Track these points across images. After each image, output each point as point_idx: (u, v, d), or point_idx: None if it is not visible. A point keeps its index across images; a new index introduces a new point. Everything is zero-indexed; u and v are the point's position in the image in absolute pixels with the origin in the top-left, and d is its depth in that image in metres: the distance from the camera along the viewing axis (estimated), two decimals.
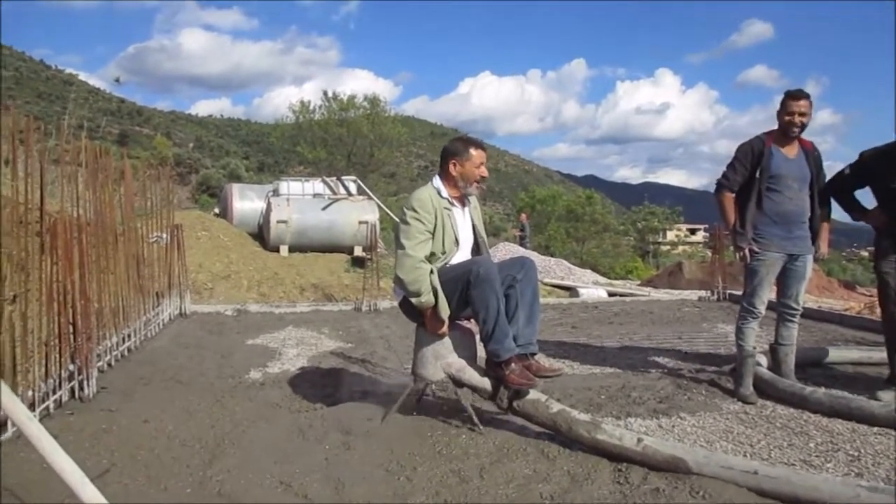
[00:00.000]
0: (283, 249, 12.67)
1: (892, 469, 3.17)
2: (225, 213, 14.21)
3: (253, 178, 44.29)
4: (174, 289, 7.84)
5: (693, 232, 65.72)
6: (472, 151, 3.74)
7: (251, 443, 3.52)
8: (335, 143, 37.86)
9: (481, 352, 3.70)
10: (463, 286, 3.48)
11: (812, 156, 4.52)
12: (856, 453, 3.39)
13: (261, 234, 13.53)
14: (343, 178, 14.23)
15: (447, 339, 3.65)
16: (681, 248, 51.88)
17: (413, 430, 3.61)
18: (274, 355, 5.97)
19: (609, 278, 18.26)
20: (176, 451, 3.36)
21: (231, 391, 4.61)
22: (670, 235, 55.46)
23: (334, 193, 13.49)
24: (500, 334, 3.44)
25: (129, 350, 5.70)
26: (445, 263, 3.65)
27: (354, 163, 37.15)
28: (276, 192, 13.51)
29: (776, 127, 4.53)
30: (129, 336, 5.75)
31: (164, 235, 7.41)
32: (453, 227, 3.70)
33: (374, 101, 38.80)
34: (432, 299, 3.51)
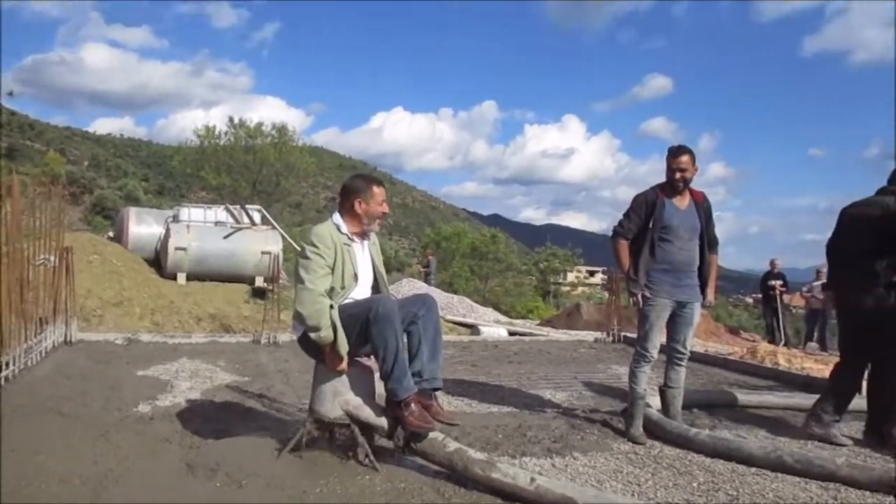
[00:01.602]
0: (181, 277, 12.24)
1: None
2: (119, 238, 13.63)
3: (152, 202, 42.77)
4: (60, 315, 7.45)
5: (592, 274, 67.78)
6: (375, 189, 3.80)
7: (137, 480, 3.39)
8: (240, 169, 37.12)
9: (380, 389, 3.70)
10: (363, 323, 3.48)
11: (702, 207, 4.77)
12: (734, 493, 3.57)
13: (157, 261, 13.04)
14: (247, 206, 13.94)
15: (346, 376, 3.63)
16: (580, 289, 53.30)
17: (308, 469, 3.55)
18: (165, 387, 5.75)
19: (510, 317, 18.55)
20: (54, 489, 3.18)
21: (117, 425, 4.40)
22: (570, 277, 56.95)
23: (237, 222, 13.18)
24: (398, 373, 3.45)
25: (6, 379, 5.36)
26: (344, 299, 3.65)
27: (260, 191, 36.50)
28: (176, 218, 13.08)
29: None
30: (6, 364, 5.42)
31: (52, 258, 7.05)
32: (353, 262, 3.72)
33: (281, 129, 38.40)
34: (331, 335, 3.49)
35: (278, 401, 5.42)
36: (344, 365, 3.57)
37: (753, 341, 13.67)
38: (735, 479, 3.80)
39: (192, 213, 13.12)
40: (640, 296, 4.64)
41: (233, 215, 13.30)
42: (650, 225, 4.65)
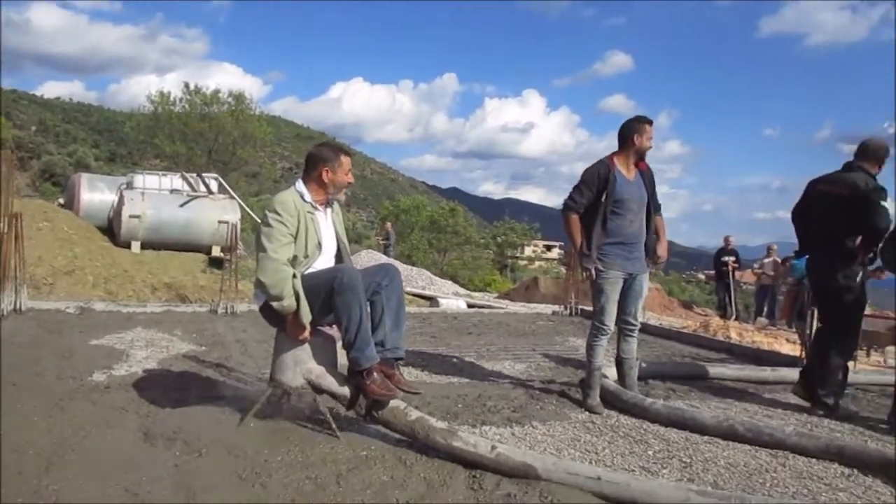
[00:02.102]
0: (135, 246, 12.00)
1: (719, 475, 3.46)
2: (71, 204, 13.26)
3: (103, 169, 41.64)
4: (9, 283, 7.25)
5: (549, 248, 68.38)
6: (343, 158, 3.77)
7: (93, 449, 3.34)
8: (196, 137, 36.33)
9: (342, 359, 3.70)
10: (326, 293, 3.46)
11: (647, 176, 4.80)
12: (688, 460, 3.67)
13: (110, 229, 12.75)
14: (204, 174, 13.68)
15: (308, 345, 3.62)
16: (537, 263, 53.78)
17: (269, 437, 3.54)
18: (121, 357, 5.65)
19: (468, 290, 18.64)
20: (6, 459, 3.11)
21: (71, 394, 4.32)
22: (528, 251, 57.37)
23: (194, 190, 12.93)
24: (361, 342, 3.45)
25: None
26: (307, 268, 3.62)
27: (215, 160, 35.81)
28: (129, 185, 12.76)
29: (619, 150, 4.75)
30: None
31: (0, 225, 6.84)
32: (316, 231, 3.69)
33: (239, 97, 37.63)
34: (294, 304, 3.46)
35: (237, 370, 5.37)
36: (306, 334, 3.55)
37: (706, 316, 14.01)
38: (689, 447, 3.91)
39: (147, 181, 12.82)
40: (593, 270, 4.66)
41: (189, 183, 13.05)
42: (603, 199, 4.63)
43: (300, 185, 3.76)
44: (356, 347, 3.44)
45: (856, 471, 3.57)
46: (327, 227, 3.81)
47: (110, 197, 13.07)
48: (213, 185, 13.35)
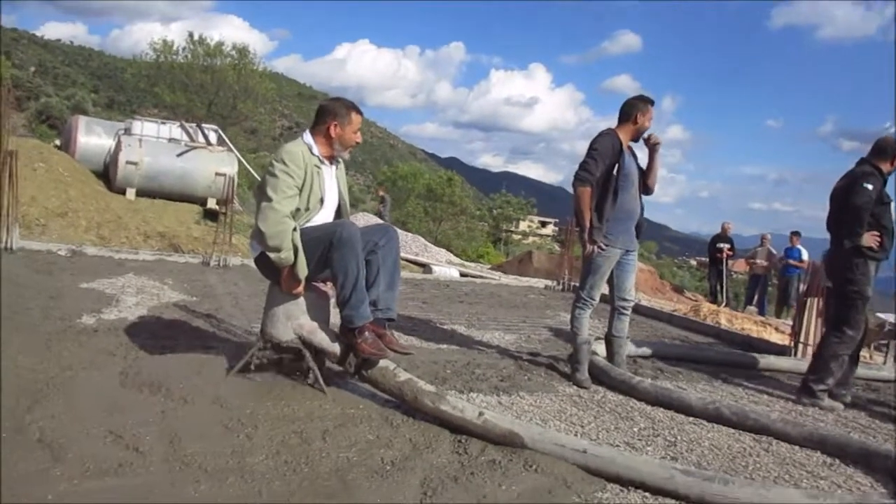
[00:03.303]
0: (130, 193, 11.90)
1: (702, 455, 3.47)
2: (67, 147, 13.10)
3: (101, 115, 41.14)
4: (1, 221, 7.18)
5: (544, 224, 68.46)
6: (353, 116, 3.69)
7: (79, 390, 3.33)
8: (196, 89, 35.93)
9: (333, 317, 3.68)
10: (324, 247, 3.43)
11: (635, 153, 4.78)
12: (673, 439, 3.68)
13: (106, 174, 12.62)
14: (203, 125, 13.53)
15: (301, 300, 3.58)
16: (531, 238, 53.84)
17: (257, 389, 3.52)
18: (110, 301, 5.63)
19: (461, 260, 18.64)
20: None
21: (59, 335, 4.31)
22: (522, 225, 57.42)
23: (192, 140, 12.79)
24: (356, 300, 3.42)
25: None
26: (308, 222, 3.58)
27: (215, 113, 35.43)
28: (127, 131, 12.60)
29: (619, 125, 4.69)
30: None
31: None
32: (321, 185, 3.64)
33: (242, 51, 37.13)
34: (292, 257, 3.42)
35: (227, 322, 5.36)
36: (300, 289, 3.52)
37: (696, 301, 14.05)
38: (674, 426, 3.92)
39: (146, 128, 12.66)
40: (599, 245, 4.59)
41: (188, 133, 12.90)
42: (614, 172, 4.58)
43: (308, 137, 3.69)
44: (350, 305, 3.41)
45: (837, 460, 3.58)
46: (331, 182, 3.75)
47: (107, 142, 12.92)
48: (212, 137, 13.20)
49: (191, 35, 36.83)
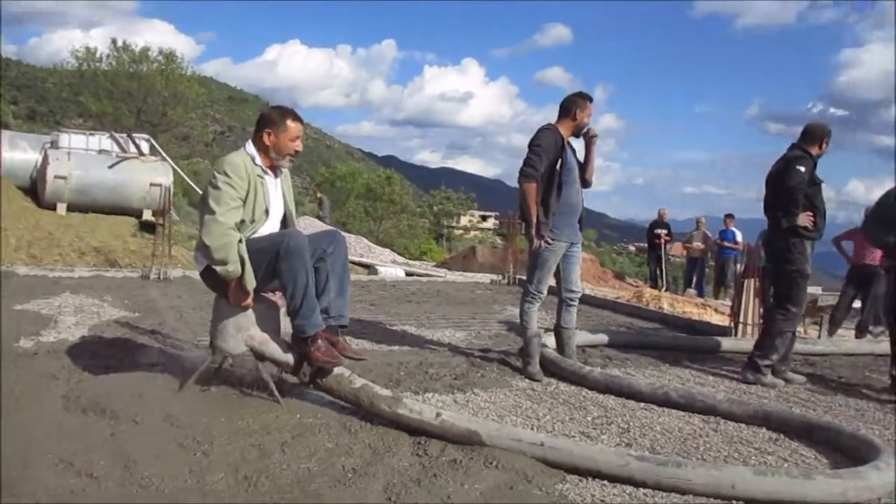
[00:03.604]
0: (61, 208, 11.50)
1: (655, 440, 3.57)
2: None
3: (22, 127, 39.66)
4: None
5: (484, 218, 68.85)
6: (290, 124, 3.63)
7: (23, 418, 3.21)
8: (123, 96, 34.98)
9: (284, 327, 3.64)
10: (271, 258, 3.39)
11: (573, 148, 4.86)
12: (626, 426, 3.77)
13: (34, 190, 12.18)
14: (135, 135, 13.17)
15: (250, 312, 3.54)
16: (472, 233, 54.13)
17: (209, 405, 3.47)
18: (48, 323, 5.45)
19: (404, 258, 18.63)
20: None
21: None
22: (463, 220, 57.70)
23: (124, 151, 12.43)
24: (307, 309, 3.40)
25: None
26: (253, 233, 3.54)
27: (144, 120, 34.54)
28: (54, 145, 12.17)
29: (559, 120, 4.76)
30: None
31: None
32: (265, 196, 3.60)
33: (169, 56, 36.30)
34: (238, 269, 3.38)
35: (172, 337, 5.25)
36: (249, 300, 3.48)
37: (637, 286, 14.36)
38: (626, 413, 4.02)
39: (73, 140, 12.23)
40: (546, 239, 4.65)
41: (118, 144, 12.53)
42: (557, 167, 4.64)
43: (250, 147, 3.64)
44: (301, 314, 3.39)
45: (782, 435, 3.73)
46: (276, 192, 3.71)
47: (33, 156, 12.45)
48: (145, 147, 12.86)
49: (114, 41, 35.85)
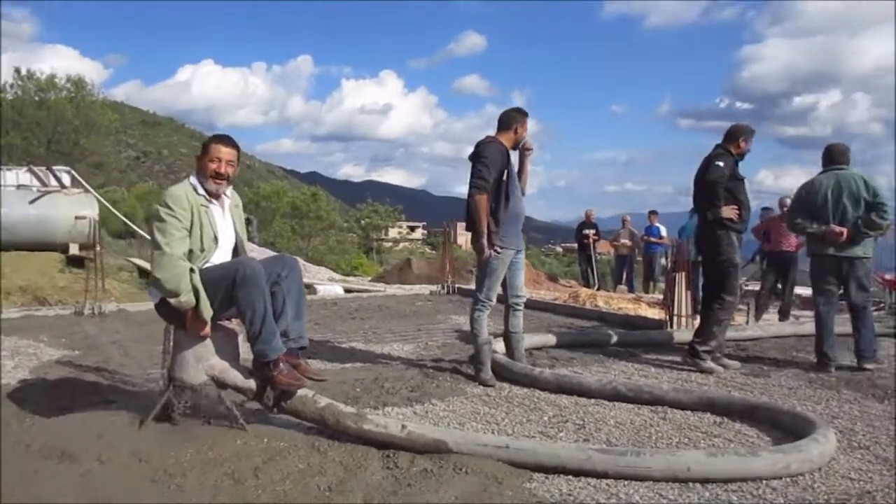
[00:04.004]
0: None
1: (610, 433, 3.75)
2: None
3: None
4: None
5: (412, 229, 68.98)
6: (211, 146, 3.67)
7: None
8: (31, 127, 33.68)
9: (243, 353, 3.67)
10: (228, 286, 3.42)
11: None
12: (581, 422, 3.95)
13: None
14: (54, 167, 12.74)
15: (209, 341, 3.55)
16: (402, 244, 54.12)
17: (173, 437, 3.45)
18: None
19: (342, 276, 18.58)
20: None
21: None
22: (392, 233, 57.62)
23: (44, 185, 12.03)
24: (267, 334, 3.43)
25: None
26: (205, 262, 3.56)
27: (55, 151, 33.32)
28: None
29: (498, 133, 4.94)
30: None
31: None
32: (211, 224, 3.61)
33: (79, 82, 35.20)
34: (192, 300, 3.39)
35: (119, 373, 5.17)
36: (207, 330, 3.50)
37: (571, 287, 14.73)
38: (579, 410, 4.20)
39: None
40: (495, 248, 4.80)
41: (38, 177, 12.12)
42: (504, 177, 4.80)
43: (194, 177, 3.66)
44: (262, 339, 3.42)
45: (725, 419, 3.98)
46: (223, 221, 3.72)
47: None
48: (66, 179, 12.46)
49: (17, 70, 34.51)
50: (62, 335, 6.76)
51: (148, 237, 14.77)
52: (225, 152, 3.68)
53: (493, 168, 4.76)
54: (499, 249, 4.83)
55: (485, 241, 4.79)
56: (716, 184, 5.20)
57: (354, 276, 20.36)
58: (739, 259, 5.37)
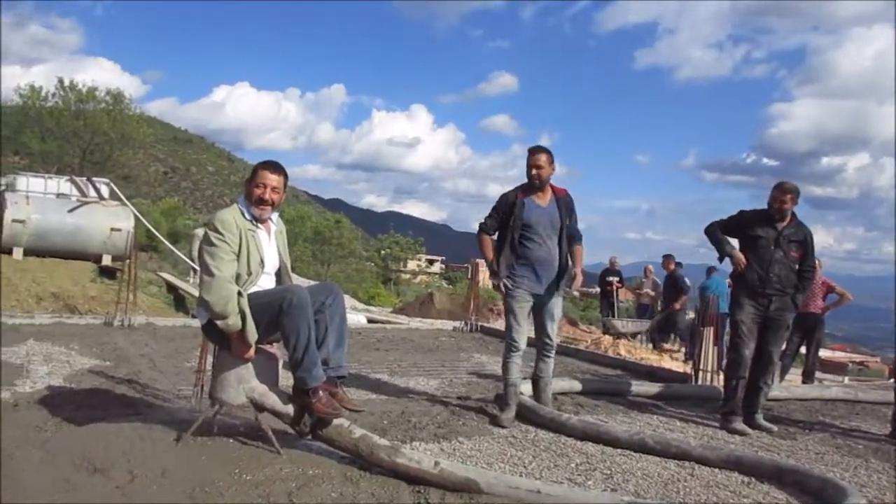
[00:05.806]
0: (18, 252, 11.25)
1: (638, 485, 3.76)
2: None
3: None
4: None
5: (431, 263, 69.14)
6: (258, 171, 3.76)
7: (22, 474, 3.19)
8: (68, 136, 34.34)
9: (283, 378, 3.74)
10: (274, 312, 3.49)
11: (563, 202, 5.11)
12: (608, 471, 3.95)
13: None
14: (94, 179, 13.03)
15: (251, 364, 3.63)
16: (420, 277, 54.26)
17: (209, 457, 3.49)
18: (20, 372, 5.40)
19: (365, 305, 18.67)
20: None
21: None
22: (411, 265, 57.80)
23: (83, 195, 12.30)
24: (309, 362, 3.50)
25: None
26: (252, 286, 3.65)
27: (90, 161, 33.93)
28: (10, 187, 11.98)
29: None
30: None
31: None
32: (258, 248, 3.70)
33: (117, 96, 35.89)
34: (239, 323, 3.47)
35: (151, 386, 5.25)
36: (251, 353, 3.57)
37: (591, 332, 14.70)
38: (606, 459, 4.20)
39: (31, 183, 12.07)
40: (502, 286, 4.99)
41: (78, 187, 12.40)
42: (511, 223, 4.97)
43: (242, 200, 3.77)
44: (303, 367, 3.48)
45: (753, 479, 3.96)
46: (270, 245, 3.82)
47: None
48: (104, 191, 12.73)
49: (61, 80, 35.26)
50: (93, 344, 6.88)
51: (174, 251, 15.00)
52: (271, 178, 3.77)
53: (496, 213, 5.11)
54: (509, 286, 4.96)
55: (489, 275, 5.16)
56: (711, 224, 5.50)
57: (371, 305, 20.43)
58: (746, 318, 5.33)
